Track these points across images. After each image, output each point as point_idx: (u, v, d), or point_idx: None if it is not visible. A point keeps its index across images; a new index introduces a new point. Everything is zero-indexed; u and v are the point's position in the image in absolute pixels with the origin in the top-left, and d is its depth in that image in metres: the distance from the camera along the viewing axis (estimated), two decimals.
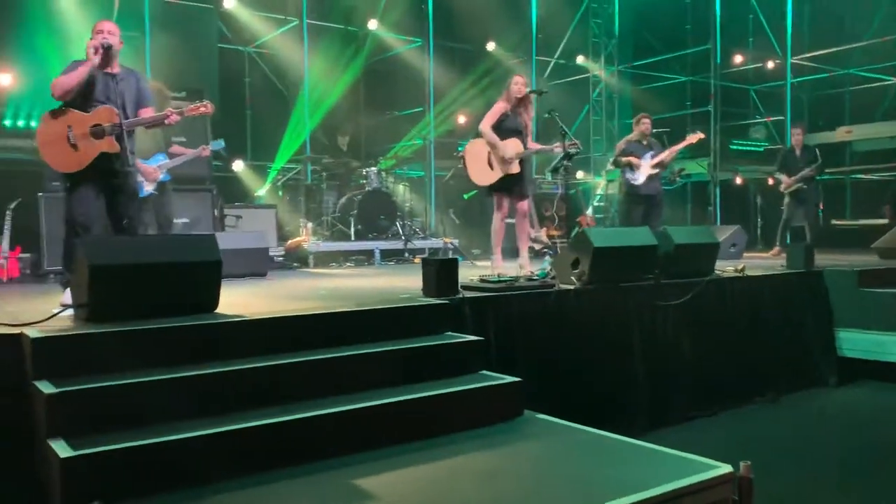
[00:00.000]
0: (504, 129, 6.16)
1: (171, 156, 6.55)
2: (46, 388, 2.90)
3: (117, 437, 2.78)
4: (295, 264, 8.38)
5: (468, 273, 5.47)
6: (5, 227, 6.65)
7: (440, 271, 4.53)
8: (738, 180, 12.21)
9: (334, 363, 3.49)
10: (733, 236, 8.89)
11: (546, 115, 6.00)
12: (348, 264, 8.61)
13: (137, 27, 9.14)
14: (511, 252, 7.09)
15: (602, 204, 13.25)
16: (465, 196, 10.34)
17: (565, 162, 5.99)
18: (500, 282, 4.90)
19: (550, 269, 5.32)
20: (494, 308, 4.66)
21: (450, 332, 4.18)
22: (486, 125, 6.16)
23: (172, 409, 3.06)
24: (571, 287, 5.11)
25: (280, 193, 10.04)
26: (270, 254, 8.36)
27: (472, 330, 4.37)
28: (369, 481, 2.86)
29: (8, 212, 6.71)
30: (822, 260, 7.91)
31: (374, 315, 4.00)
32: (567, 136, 5.93)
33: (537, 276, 5.18)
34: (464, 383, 3.65)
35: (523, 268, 6.11)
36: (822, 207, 13.19)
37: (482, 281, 4.97)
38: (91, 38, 4.56)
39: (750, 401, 5.83)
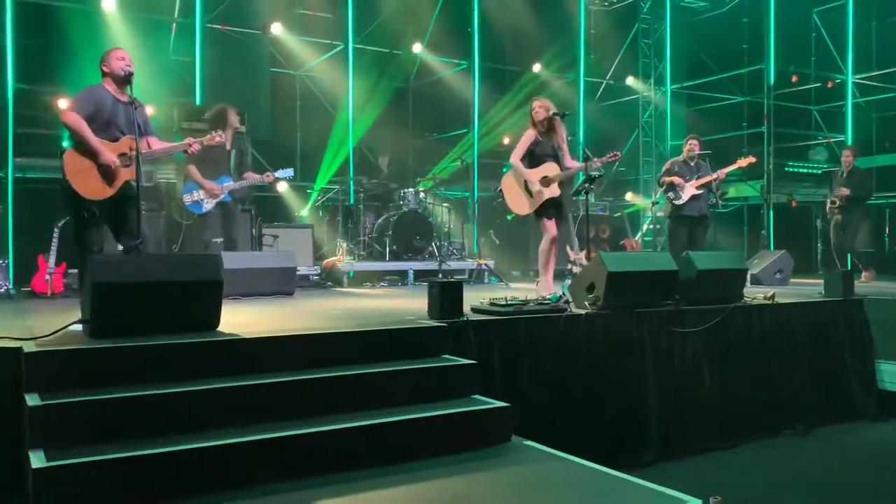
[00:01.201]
0: (538, 154, 6.13)
1: (241, 180, 6.98)
2: (33, 400, 3.03)
3: (97, 450, 2.87)
4: (329, 283, 8.51)
5: (500, 294, 5.38)
6: (53, 243, 6.98)
7: (443, 294, 4.53)
8: (793, 203, 11.83)
9: (319, 384, 3.53)
10: (779, 262, 8.59)
11: (569, 139, 5.96)
12: (382, 284, 8.70)
13: (191, 52, 9.54)
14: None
15: (652, 227, 13.00)
16: (508, 217, 10.31)
17: (587, 185, 5.93)
18: (508, 305, 4.86)
19: (564, 294, 5.26)
20: (500, 332, 4.62)
21: (447, 356, 4.17)
22: (515, 157, 6.12)
23: (155, 425, 3.16)
24: (583, 312, 5.03)
25: (321, 213, 10.22)
26: (306, 273, 8.55)
27: (476, 354, 4.34)
28: (339, 502, 2.88)
29: (56, 229, 7.03)
30: (872, 287, 7.59)
31: (368, 336, 4.03)
32: (590, 160, 5.89)
33: (549, 300, 5.12)
34: (450, 407, 3.63)
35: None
36: (887, 232, 12.67)
37: (492, 304, 4.94)
38: (110, 62, 4.83)
39: (777, 434, 5.59)
